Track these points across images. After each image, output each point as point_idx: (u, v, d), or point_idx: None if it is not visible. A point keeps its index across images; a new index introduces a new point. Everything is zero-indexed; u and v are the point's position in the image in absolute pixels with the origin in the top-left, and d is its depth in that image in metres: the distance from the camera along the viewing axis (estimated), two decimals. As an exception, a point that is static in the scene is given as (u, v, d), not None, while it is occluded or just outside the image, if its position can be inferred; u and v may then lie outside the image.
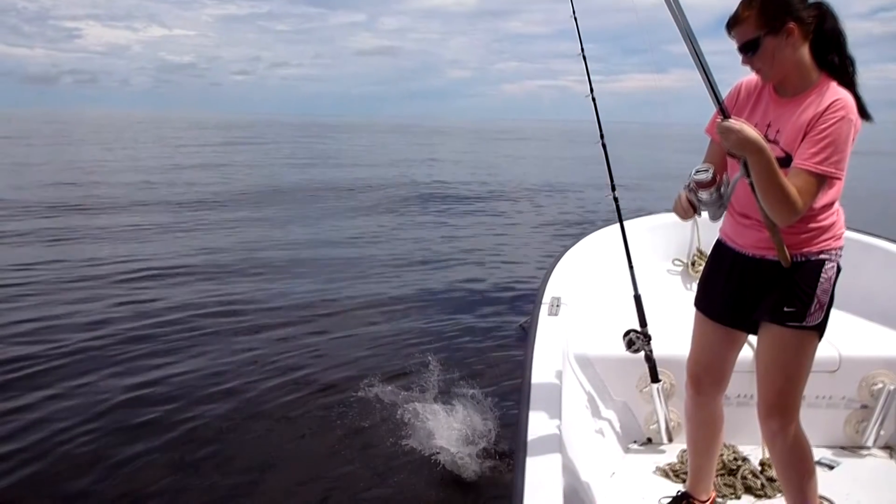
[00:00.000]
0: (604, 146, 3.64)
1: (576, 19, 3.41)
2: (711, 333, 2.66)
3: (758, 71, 2.32)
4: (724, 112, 2.17)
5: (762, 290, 2.42)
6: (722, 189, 2.37)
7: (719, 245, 2.63)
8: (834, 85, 2.22)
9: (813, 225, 2.32)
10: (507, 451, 4.13)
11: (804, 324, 2.35)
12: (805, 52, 2.24)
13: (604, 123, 3.73)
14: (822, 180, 2.17)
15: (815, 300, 2.34)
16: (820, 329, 2.40)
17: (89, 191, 16.11)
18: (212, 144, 39.79)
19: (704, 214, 2.46)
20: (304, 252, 10.25)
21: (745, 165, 2.20)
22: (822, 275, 2.34)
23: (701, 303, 2.70)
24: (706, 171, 2.34)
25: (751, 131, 2.14)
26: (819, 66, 2.27)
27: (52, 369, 5.36)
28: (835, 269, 2.37)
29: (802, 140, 2.20)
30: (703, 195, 2.37)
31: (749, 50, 2.26)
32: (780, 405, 2.44)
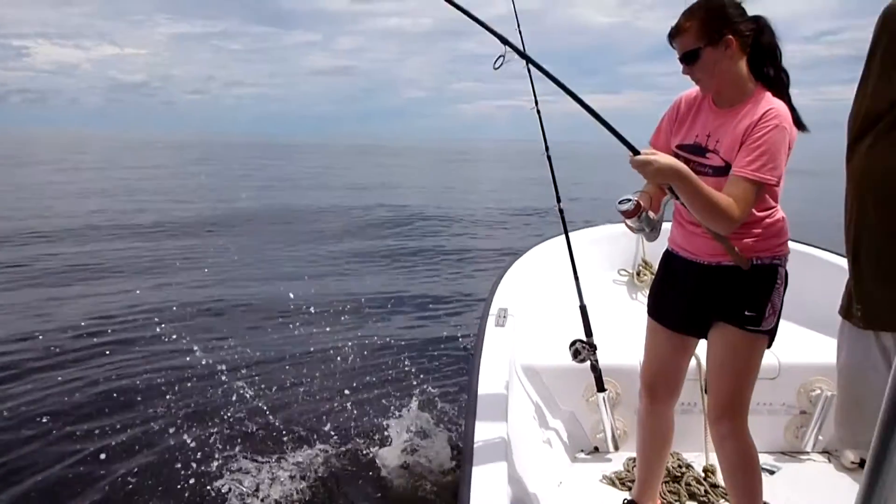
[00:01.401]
0: (549, 158, 3.69)
1: (520, 31, 3.45)
2: (665, 342, 2.69)
3: (697, 81, 2.39)
4: (632, 149, 2.22)
5: (718, 295, 2.45)
6: (651, 215, 2.46)
7: (668, 255, 2.68)
8: (768, 95, 2.29)
9: (758, 230, 2.37)
10: (454, 461, 4.13)
11: (760, 328, 2.40)
12: (742, 64, 2.32)
13: (561, 143, 3.78)
14: (759, 187, 2.22)
15: (770, 304, 2.39)
16: (772, 335, 2.46)
17: (32, 218, 14.99)
18: (164, 166, 38.90)
19: None
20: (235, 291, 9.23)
21: (671, 189, 2.27)
22: (777, 280, 2.41)
23: (653, 311, 2.74)
24: (628, 200, 2.42)
25: (664, 159, 2.18)
26: (755, 78, 2.34)
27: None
28: (784, 275, 2.44)
29: (740, 149, 2.26)
30: (631, 223, 2.47)
31: (689, 60, 2.34)
32: (731, 408, 2.47)
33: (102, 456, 4.31)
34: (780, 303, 2.43)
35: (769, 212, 2.39)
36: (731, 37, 2.27)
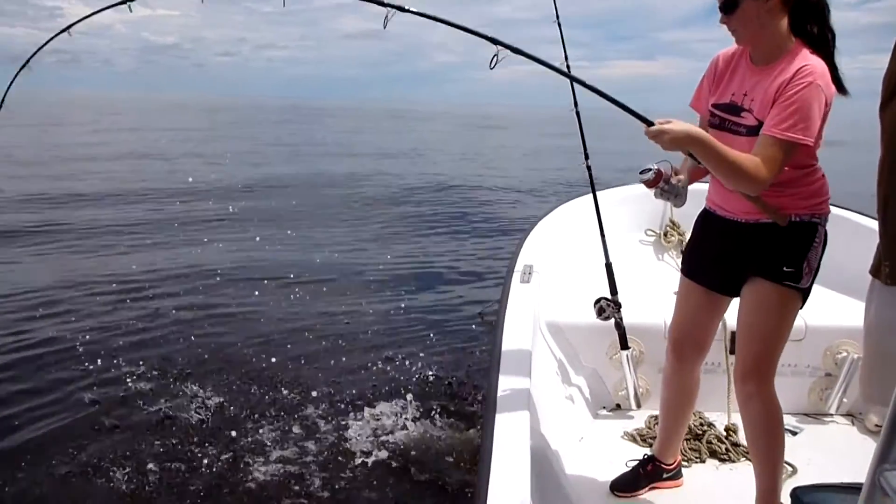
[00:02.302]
0: (577, 114, 3.66)
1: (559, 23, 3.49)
2: (696, 299, 2.67)
3: (733, 32, 2.33)
4: (645, 121, 2.19)
5: (756, 252, 2.42)
6: (675, 181, 2.45)
7: (705, 213, 2.64)
8: (805, 52, 2.23)
9: (795, 189, 2.33)
10: (477, 416, 4.20)
11: (799, 285, 2.37)
12: (782, 21, 2.25)
13: (587, 110, 3.77)
14: (790, 146, 2.17)
15: (806, 262, 2.36)
16: (805, 294, 2.42)
17: (74, 180, 15.17)
18: (198, 129, 38.94)
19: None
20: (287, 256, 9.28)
21: (692, 155, 2.25)
22: (815, 238, 2.36)
23: (687, 270, 2.71)
24: (648, 170, 2.41)
25: (678, 127, 2.15)
26: (796, 35, 2.27)
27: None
28: (823, 235, 2.39)
29: (772, 107, 2.21)
30: (654, 192, 2.47)
31: (728, 10, 2.28)
32: (759, 368, 2.45)
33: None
34: (816, 263, 2.39)
35: (806, 170, 2.34)
36: None
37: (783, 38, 2.27)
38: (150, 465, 3.80)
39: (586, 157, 3.77)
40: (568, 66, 3.53)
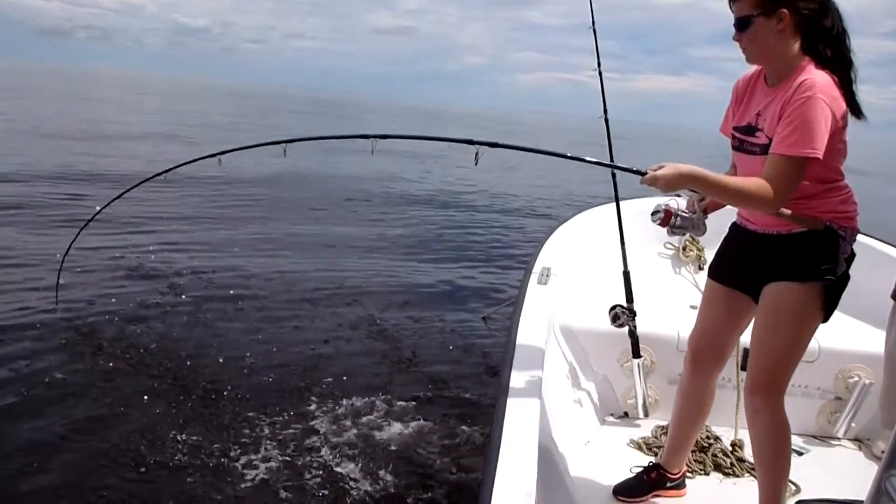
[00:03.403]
0: (606, 121, 3.69)
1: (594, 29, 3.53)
2: (721, 305, 2.67)
3: (743, 49, 2.37)
4: (636, 172, 2.28)
5: (782, 258, 2.41)
6: (687, 214, 2.58)
7: (735, 227, 2.66)
8: (810, 67, 2.25)
9: (817, 202, 2.34)
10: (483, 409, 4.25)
11: (830, 277, 2.33)
12: (794, 42, 2.28)
13: (617, 122, 3.80)
14: (797, 162, 2.18)
15: (837, 263, 2.34)
16: (827, 307, 2.39)
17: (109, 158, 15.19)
18: (224, 114, 39.11)
19: None
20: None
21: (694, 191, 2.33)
22: (842, 245, 2.35)
23: (715, 272, 2.73)
24: (657, 212, 2.57)
25: (670, 169, 2.21)
26: (807, 54, 2.29)
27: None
28: (849, 250, 2.37)
29: (778, 125, 2.25)
30: (667, 230, 2.61)
31: (741, 27, 2.32)
32: (769, 382, 2.44)
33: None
34: (842, 269, 2.35)
35: (829, 185, 2.35)
36: (785, 11, 2.24)
37: (793, 59, 2.30)
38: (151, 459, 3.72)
39: (612, 170, 3.80)
40: (601, 73, 3.56)
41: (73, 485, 3.46)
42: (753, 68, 2.46)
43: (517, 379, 2.58)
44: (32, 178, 11.88)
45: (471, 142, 2.46)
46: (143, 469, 3.63)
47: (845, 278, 2.38)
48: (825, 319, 2.43)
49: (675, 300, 4.05)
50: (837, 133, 2.23)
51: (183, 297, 6.29)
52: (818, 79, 2.19)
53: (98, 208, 3.79)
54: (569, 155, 2.50)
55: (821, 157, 2.18)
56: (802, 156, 2.17)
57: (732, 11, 2.35)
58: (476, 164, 2.46)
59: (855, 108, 2.27)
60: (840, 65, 2.28)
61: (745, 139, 2.43)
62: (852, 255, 2.39)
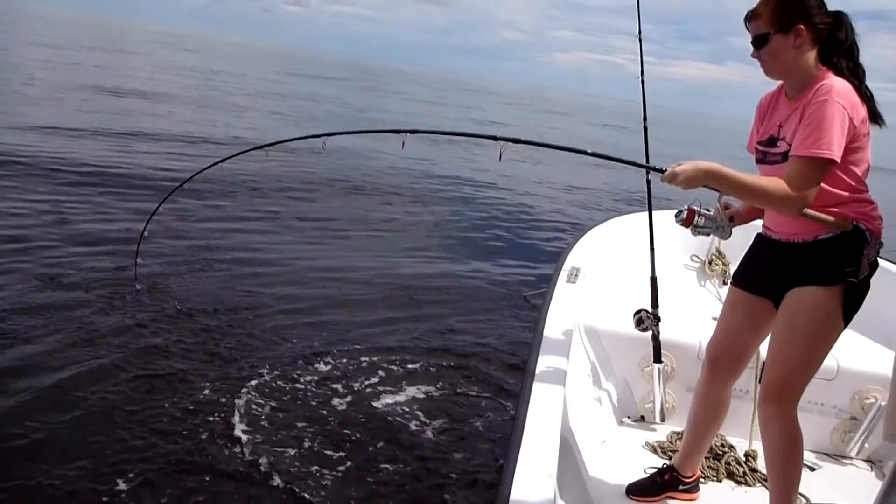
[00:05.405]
0: (645, 129, 3.74)
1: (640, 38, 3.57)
2: (742, 310, 2.72)
3: (763, 65, 2.44)
4: (656, 170, 2.39)
5: (805, 265, 2.44)
6: (711, 213, 2.65)
7: (760, 238, 2.71)
8: (829, 75, 2.32)
9: (839, 209, 2.37)
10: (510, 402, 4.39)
11: (853, 279, 2.35)
12: (811, 55, 2.36)
13: (649, 107, 3.82)
14: (814, 163, 2.24)
15: (859, 265, 2.35)
16: (846, 312, 2.40)
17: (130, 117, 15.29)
18: (264, 78, 39.09)
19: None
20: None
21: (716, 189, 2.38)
22: (865, 250, 2.37)
23: (738, 278, 2.77)
24: (682, 211, 2.62)
25: (689, 165, 2.30)
26: (824, 64, 2.37)
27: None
28: (873, 255, 2.39)
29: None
30: (691, 230, 2.67)
31: (758, 45, 2.41)
32: (783, 391, 2.47)
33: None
34: (863, 273, 2.37)
35: (854, 195, 2.38)
36: (802, 26, 2.32)
37: (810, 72, 2.38)
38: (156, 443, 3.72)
39: (647, 172, 3.85)
40: (643, 81, 3.60)
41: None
42: (775, 85, 2.54)
43: (543, 369, 2.70)
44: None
45: (495, 138, 2.54)
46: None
47: (866, 284, 2.40)
48: (845, 324, 2.43)
49: (698, 311, 4.12)
50: (857, 138, 2.29)
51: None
52: (836, 84, 2.26)
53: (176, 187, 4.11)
54: (589, 151, 2.57)
55: (837, 159, 2.23)
56: (817, 156, 2.23)
57: (748, 30, 2.43)
58: (500, 159, 2.53)
59: (874, 116, 2.33)
60: (855, 75, 2.35)
61: (767, 151, 2.50)
62: (875, 264, 2.41)
